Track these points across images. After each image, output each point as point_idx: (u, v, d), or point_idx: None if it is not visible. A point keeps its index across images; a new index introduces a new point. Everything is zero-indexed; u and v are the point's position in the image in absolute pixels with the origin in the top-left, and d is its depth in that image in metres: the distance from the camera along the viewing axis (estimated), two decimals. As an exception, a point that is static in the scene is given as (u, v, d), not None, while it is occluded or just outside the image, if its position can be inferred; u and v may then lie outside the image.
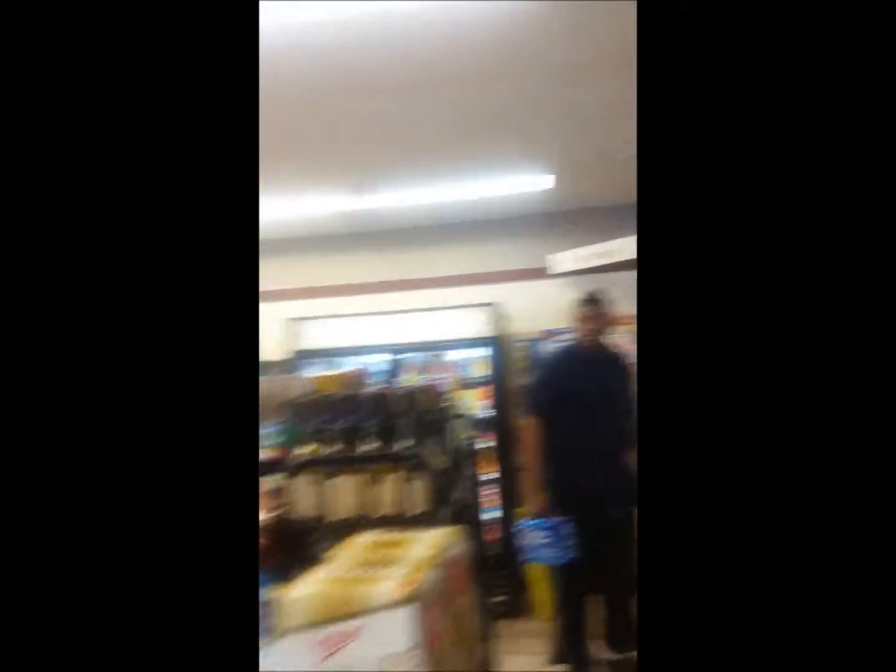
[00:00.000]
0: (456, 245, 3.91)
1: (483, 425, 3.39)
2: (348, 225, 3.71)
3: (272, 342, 3.57)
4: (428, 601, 0.90)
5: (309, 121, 2.41)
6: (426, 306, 3.59)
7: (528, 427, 2.04)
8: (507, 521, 3.17)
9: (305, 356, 3.44)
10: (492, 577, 2.69)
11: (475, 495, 1.80)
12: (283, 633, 0.84)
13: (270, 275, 3.98)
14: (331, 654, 0.85)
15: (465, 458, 1.87)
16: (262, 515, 1.33)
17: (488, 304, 3.45)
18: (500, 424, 3.19)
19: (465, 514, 1.54)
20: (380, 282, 3.95)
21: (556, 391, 2.02)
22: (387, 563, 0.99)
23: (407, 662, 0.84)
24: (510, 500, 3.01)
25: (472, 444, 2.17)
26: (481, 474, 2.75)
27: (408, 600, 0.85)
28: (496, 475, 3.17)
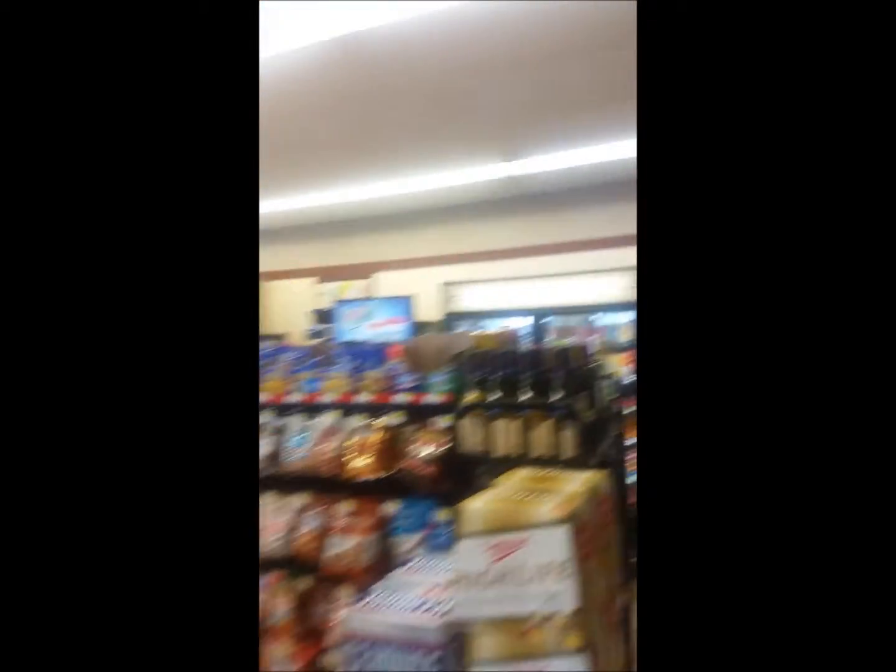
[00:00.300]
0: (605, 207, 3.87)
1: (629, 390, 3.39)
2: (498, 191, 3.85)
3: (429, 304, 3.87)
4: (579, 524, 1.04)
5: (456, 97, 2.55)
6: (574, 270, 3.64)
7: None
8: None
9: (457, 318, 3.69)
10: (631, 537, 2.75)
11: (621, 453, 1.89)
12: (462, 538, 1.05)
13: (427, 242, 4.29)
14: (500, 558, 1.03)
15: (612, 417, 1.96)
16: (434, 448, 1.56)
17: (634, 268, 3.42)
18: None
19: (610, 468, 1.65)
20: (528, 246, 4.05)
21: None
22: (544, 492, 1.14)
23: (562, 572, 0.99)
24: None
25: (618, 407, 2.23)
26: (627, 438, 2.80)
27: (564, 521, 1.00)
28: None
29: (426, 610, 1.10)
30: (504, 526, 1.02)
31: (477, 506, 1.06)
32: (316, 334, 4.04)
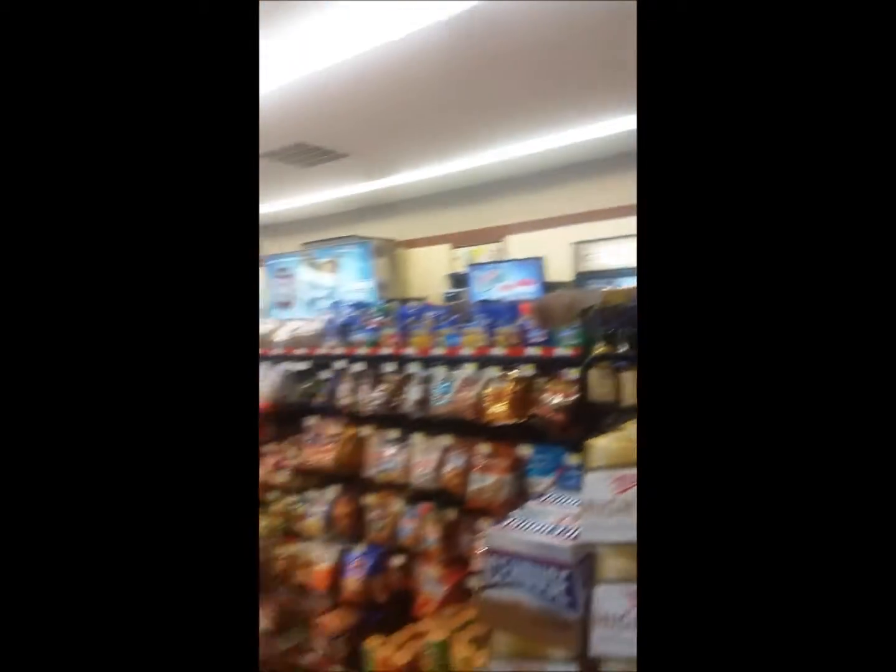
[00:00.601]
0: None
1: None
2: (624, 145, 3.75)
3: (560, 265, 3.92)
4: None
5: (576, 53, 2.54)
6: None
7: None
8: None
9: (589, 277, 3.71)
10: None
11: None
12: (589, 471, 1.18)
13: (555, 202, 4.30)
14: (623, 490, 1.15)
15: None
16: (564, 398, 1.68)
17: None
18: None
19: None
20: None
21: None
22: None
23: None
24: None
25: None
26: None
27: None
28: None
29: (559, 533, 1.25)
30: (628, 462, 1.13)
31: (604, 443, 1.19)
32: (452, 297, 4.28)
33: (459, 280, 4.61)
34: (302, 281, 3.53)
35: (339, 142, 3.66)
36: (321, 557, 2.32)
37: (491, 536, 1.29)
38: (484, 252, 5.05)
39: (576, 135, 3.62)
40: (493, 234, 4.99)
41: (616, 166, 4.04)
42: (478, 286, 4.09)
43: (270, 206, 5.34)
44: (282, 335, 2.56)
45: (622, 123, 3.42)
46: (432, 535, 2.07)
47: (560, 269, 3.94)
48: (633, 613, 1.11)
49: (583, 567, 1.18)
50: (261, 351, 2.62)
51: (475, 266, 4.43)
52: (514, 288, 3.76)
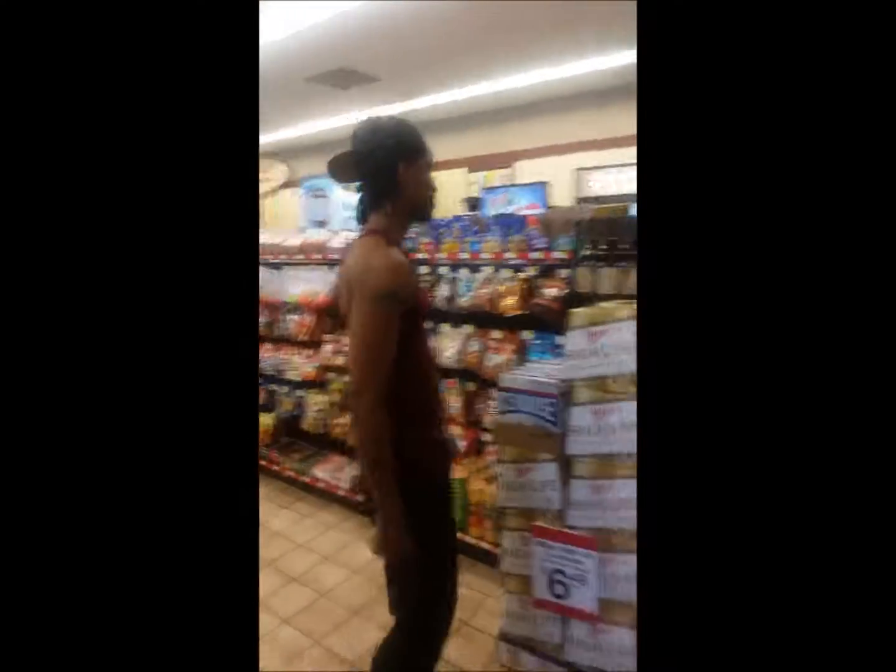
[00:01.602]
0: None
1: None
2: (626, 77, 4.06)
3: (562, 190, 4.33)
4: None
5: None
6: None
7: None
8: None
9: (588, 202, 4.12)
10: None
11: None
12: (572, 329, 1.72)
13: (561, 130, 4.65)
14: (595, 339, 1.69)
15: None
16: (558, 291, 2.22)
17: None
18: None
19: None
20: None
21: None
22: (624, 307, 1.77)
23: (631, 351, 1.64)
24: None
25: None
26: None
27: (634, 318, 1.63)
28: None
29: (548, 375, 1.82)
30: (599, 321, 1.68)
31: (582, 310, 1.74)
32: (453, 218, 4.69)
33: (474, 204, 5.03)
34: (336, 201, 3.95)
35: (373, 66, 4.01)
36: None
37: (503, 379, 1.86)
38: (495, 177, 5.44)
39: (580, 66, 3.94)
40: (504, 159, 5.36)
41: (617, 98, 4.36)
42: (490, 209, 4.52)
43: (307, 128, 5.71)
44: (335, 243, 3.09)
45: (624, 57, 3.74)
46: (456, 403, 2.67)
47: (563, 194, 4.34)
48: (599, 424, 1.69)
49: (564, 396, 1.75)
50: (321, 256, 3.15)
51: (488, 189, 4.84)
52: (522, 211, 4.19)
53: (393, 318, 1.19)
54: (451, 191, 5.43)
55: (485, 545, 2.47)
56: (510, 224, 2.35)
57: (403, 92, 4.68)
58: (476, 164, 5.53)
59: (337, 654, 2.02)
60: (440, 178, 5.16)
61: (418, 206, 1.38)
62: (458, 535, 2.50)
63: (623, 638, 1.66)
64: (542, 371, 1.89)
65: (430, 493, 1.38)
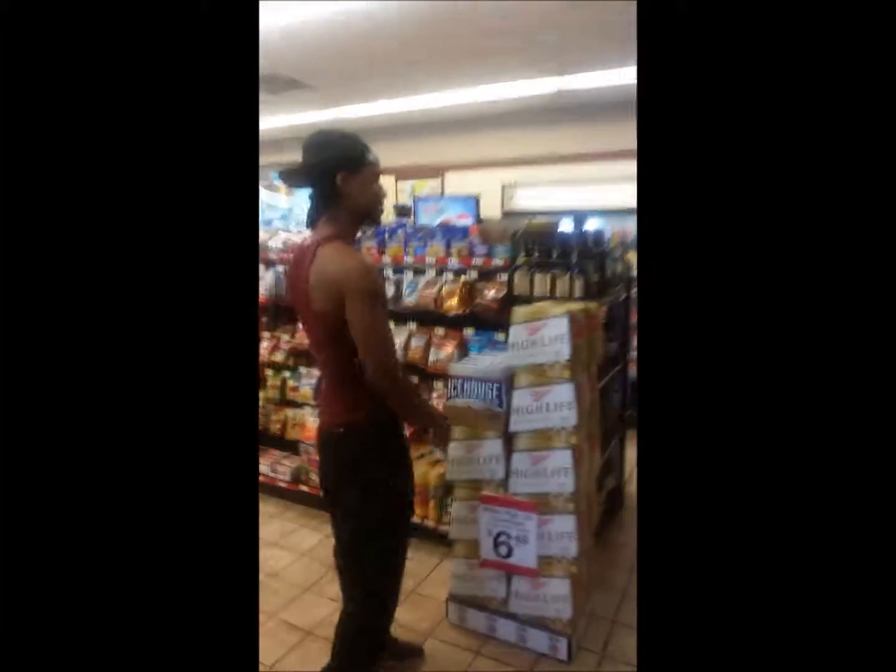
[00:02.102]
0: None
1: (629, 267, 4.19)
2: (551, 103, 4.50)
3: (490, 203, 4.68)
4: (574, 319, 1.97)
5: (517, 27, 3.23)
6: (612, 176, 4.33)
7: None
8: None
9: (514, 216, 4.49)
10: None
11: (605, 293, 2.72)
12: (513, 324, 2.01)
13: (489, 146, 5.00)
14: (533, 333, 1.99)
15: (615, 284, 2.85)
16: (496, 293, 2.51)
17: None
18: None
19: (598, 300, 2.57)
20: (574, 154, 4.73)
21: None
22: (558, 306, 2.09)
23: (563, 341, 1.95)
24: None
25: (627, 282, 3.09)
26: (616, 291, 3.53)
27: (565, 314, 1.94)
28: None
29: (491, 364, 2.09)
30: (535, 318, 1.98)
31: (521, 309, 2.03)
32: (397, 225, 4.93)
33: (403, 210, 5.27)
34: (261, 201, 4.02)
35: (306, 74, 4.16)
36: (311, 419, 3.10)
37: (454, 368, 2.11)
38: (425, 186, 5.72)
39: (511, 89, 4.32)
40: (433, 171, 5.65)
41: (541, 119, 4.80)
42: (422, 217, 4.78)
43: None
44: (275, 243, 3.21)
45: (547, 83, 4.17)
46: (398, 395, 2.89)
47: (490, 207, 4.69)
48: (537, 404, 1.98)
49: (507, 382, 2.04)
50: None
51: (420, 198, 5.10)
52: (453, 220, 4.48)
53: (385, 309, 1.42)
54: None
55: (429, 523, 2.71)
56: (454, 232, 2.63)
57: (334, 100, 4.86)
58: (404, 173, 5.78)
59: (294, 626, 2.17)
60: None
61: (365, 212, 1.48)
62: (404, 515, 2.73)
63: (559, 588, 1.96)
64: (486, 361, 2.17)
65: (401, 455, 1.61)
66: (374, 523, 1.50)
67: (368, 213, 1.50)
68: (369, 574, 1.55)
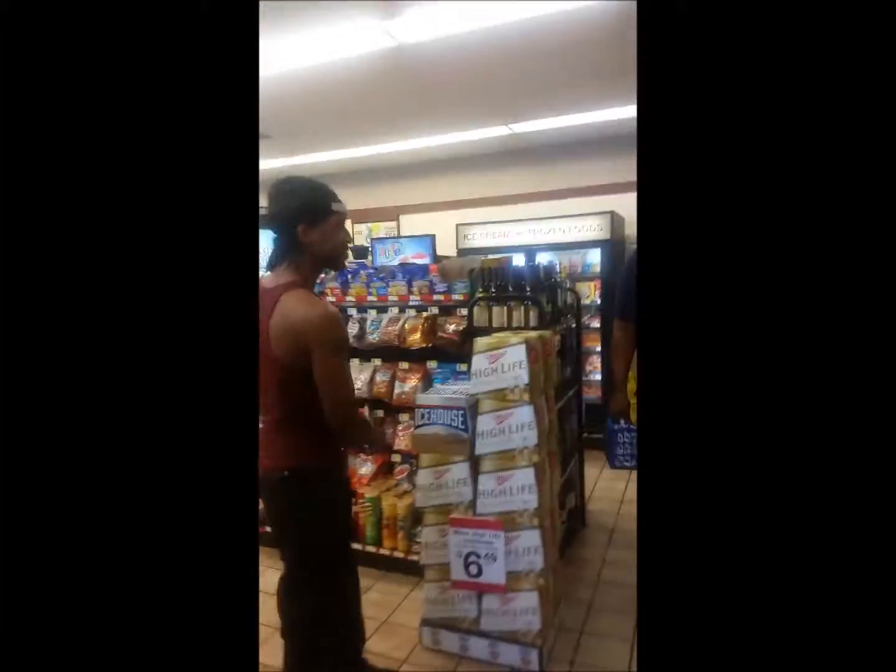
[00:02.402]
0: (588, 161, 4.84)
1: (594, 310, 4.51)
2: (501, 147, 4.81)
3: (446, 242, 4.91)
4: (531, 346, 2.13)
5: (470, 81, 3.51)
6: (559, 213, 4.65)
7: (616, 329, 2.31)
8: (607, 384, 4.12)
9: (469, 254, 4.72)
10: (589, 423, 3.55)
11: (558, 322, 2.92)
12: (475, 354, 2.15)
13: (443, 189, 5.26)
14: (494, 361, 2.14)
15: (567, 313, 3.07)
16: (457, 326, 2.67)
17: (608, 213, 4.38)
18: (604, 311, 4.26)
19: (552, 328, 2.76)
20: (524, 193, 5.05)
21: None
22: (516, 335, 2.25)
23: (521, 367, 2.10)
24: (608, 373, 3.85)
25: (577, 310, 3.31)
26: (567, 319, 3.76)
27: (522, 342, 2.11)
28: (598, 348, 4.35)
29: (456, 393, 2.23)
30: (496, 346, 2.13)
31: (483, 339, 2.19)
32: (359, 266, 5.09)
33: (360, 252, 5.43)
34: None
35: (264, 124, 4.33)
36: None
37: (420, 398, 2.23)
38: (381, 228, 5.92)
39: (464, 136, 4.61)
40: (389, 214, 5.87)
41: (493, 163, 5.11)
42: (379, 258, 4.94)
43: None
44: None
45: (497, 130, 4.48)
46: (365, 429, 2.97)
47: (447, 247, 4.92)
48: (500, 427, 2.12)
49: (471, 408, 2.17)
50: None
51: (377, 239, 5.27)
52: (410, 260, 4.66)
53: (347, 353, 1.50)
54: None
55: (398, 554, 2.76)
56: (414, 272, 2.79)
57: (289, 150, 5.03)
58: (359, 216, 5.98)
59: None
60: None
61: (327, 259, 1.50)
62: (374, 548, 2.78)
63: (528, 600, 2.06)
64: (450, 390, 2.30)
65: (342, 494, 1.69)
66: (316, 561, 1.55)
67: (331, 260, 1.53)
68: (310, 605, 1.58)
